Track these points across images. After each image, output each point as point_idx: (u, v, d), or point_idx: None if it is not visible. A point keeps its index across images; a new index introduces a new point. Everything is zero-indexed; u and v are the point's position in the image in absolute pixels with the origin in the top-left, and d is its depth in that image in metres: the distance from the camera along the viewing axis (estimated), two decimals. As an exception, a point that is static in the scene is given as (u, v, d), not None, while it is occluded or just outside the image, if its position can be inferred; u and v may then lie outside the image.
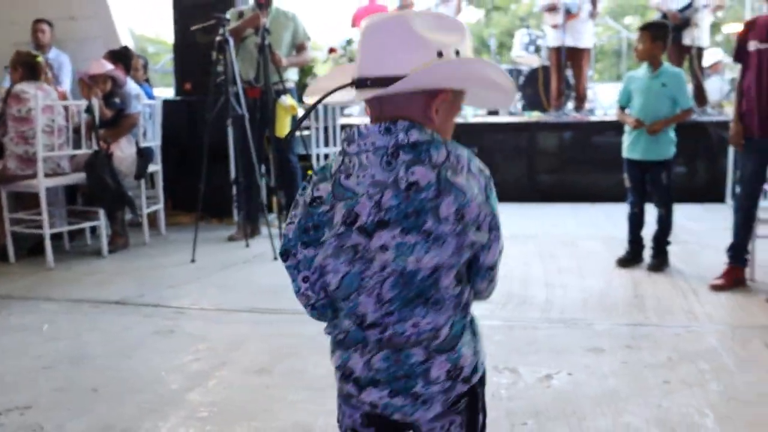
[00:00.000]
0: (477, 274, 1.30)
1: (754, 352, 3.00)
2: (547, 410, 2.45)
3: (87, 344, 3.23)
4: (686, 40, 7.47)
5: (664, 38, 4.29)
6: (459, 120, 7.37)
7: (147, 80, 6.58)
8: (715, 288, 3.88)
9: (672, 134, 4.31)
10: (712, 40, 8.09)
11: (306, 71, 5.86)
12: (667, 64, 4.39)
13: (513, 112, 9.10)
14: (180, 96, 6.62)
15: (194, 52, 6.63)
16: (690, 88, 6.61)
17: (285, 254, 1.31)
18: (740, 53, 3.95)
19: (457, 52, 1.24)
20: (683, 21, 7.45)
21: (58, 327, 3.46)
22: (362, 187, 1.22)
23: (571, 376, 2.75)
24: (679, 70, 4.68)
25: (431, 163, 1.20)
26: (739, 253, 3.99)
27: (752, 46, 3.83)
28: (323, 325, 1.37)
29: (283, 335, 3.25)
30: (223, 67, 4.88)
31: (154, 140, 5.64)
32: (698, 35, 7.52)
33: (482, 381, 1.35)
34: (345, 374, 1.31)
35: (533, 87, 8.84)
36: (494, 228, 1.26)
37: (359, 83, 1.26)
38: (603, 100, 9.83)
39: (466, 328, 1.30)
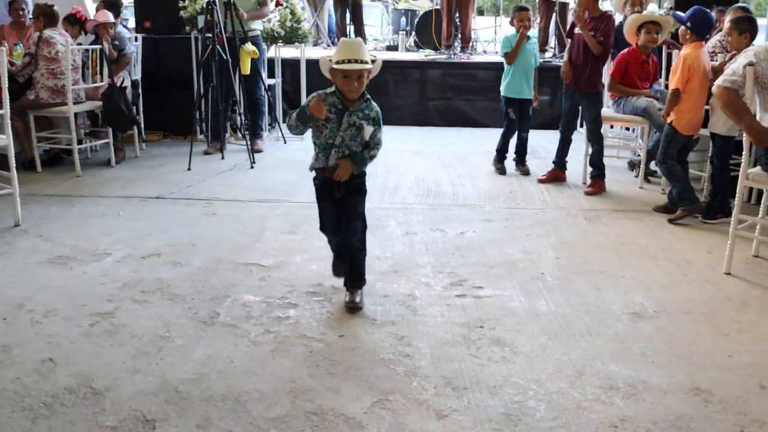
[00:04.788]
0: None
1: (578, 221, 5.04)
2: (464, 247, 4.37)
3: (160, 222, 4.77)
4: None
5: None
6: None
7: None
8: (540, 181, 6.02)
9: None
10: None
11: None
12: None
13: (408, 49, 10.86)
14: (139, 33, 7.87)
15: (152, -6, 7.92)
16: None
17: None
18: (569, 32, 5.95)
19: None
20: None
21: (129, 213, 4.97)
22: None
23: (475, 233, 4.67)
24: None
25: None
26: (559, 160, 6.07)
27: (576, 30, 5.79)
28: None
29: (291, 215, 4.96)
30: (209, 22, 6.33)
31: (138, 74, 7.01)
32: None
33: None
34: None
35: (426, 27, 10.59)
36: None
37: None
38: (482, 37, 11.80)
39: None
